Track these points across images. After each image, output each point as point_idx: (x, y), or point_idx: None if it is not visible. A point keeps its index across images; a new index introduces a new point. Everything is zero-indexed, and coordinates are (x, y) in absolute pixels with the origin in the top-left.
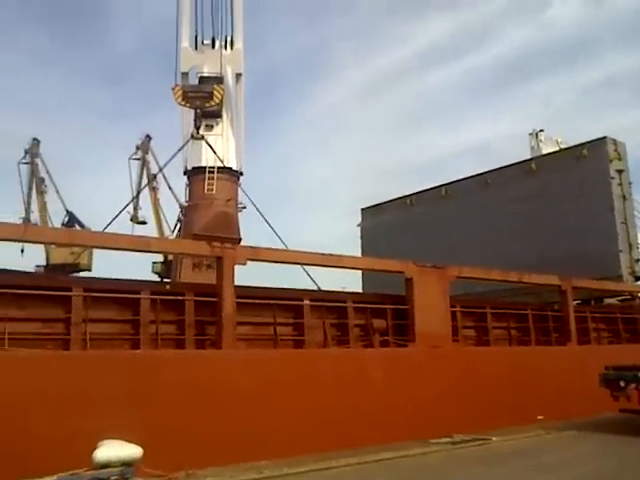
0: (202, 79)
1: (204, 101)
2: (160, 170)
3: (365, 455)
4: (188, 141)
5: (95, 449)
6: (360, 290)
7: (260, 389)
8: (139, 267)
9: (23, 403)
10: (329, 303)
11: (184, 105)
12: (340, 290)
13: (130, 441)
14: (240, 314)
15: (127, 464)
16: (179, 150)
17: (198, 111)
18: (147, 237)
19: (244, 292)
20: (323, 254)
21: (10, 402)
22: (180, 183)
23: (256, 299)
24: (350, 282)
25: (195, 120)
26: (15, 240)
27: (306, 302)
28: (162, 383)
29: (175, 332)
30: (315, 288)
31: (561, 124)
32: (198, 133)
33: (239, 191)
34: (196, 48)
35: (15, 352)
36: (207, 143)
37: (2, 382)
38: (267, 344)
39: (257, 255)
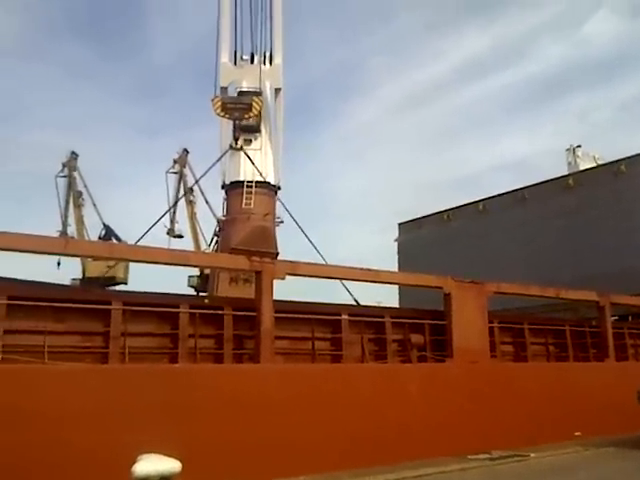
0: (241, 93)
1: (243, 112)
2: (196, 181)
3: (403, 471)
4: (226, 152)
5: (134, 463)
6: (396, 305)
7: (298, 403)
8: (175, 280)
9: (63, 416)
10: (367, 318)
11: (223, 116)
12: (377, 305)
13: (169, 455)
14: (278, 328)
15: (166, 478)
16: (217, 161)
17: (237, 122)
18: (186, 251)
19: (282, 306)
20: (361, 269)
21: (50, 415)
22: (217, 197)
23: (294, 313)
24: (385, 296)
25: (234, 131)
26: (57, 254)
27: (344, 317)
28: (201, 397)
29: (213, 346)
30: (353, 302)
31: (598, 140)
32: (237, 144)
33: (276, 205)
34: (235, 63)
35: (55, 365)
36: (246, 154)
37: (42, 395)
38: (305, 358)
39: (296, 270)
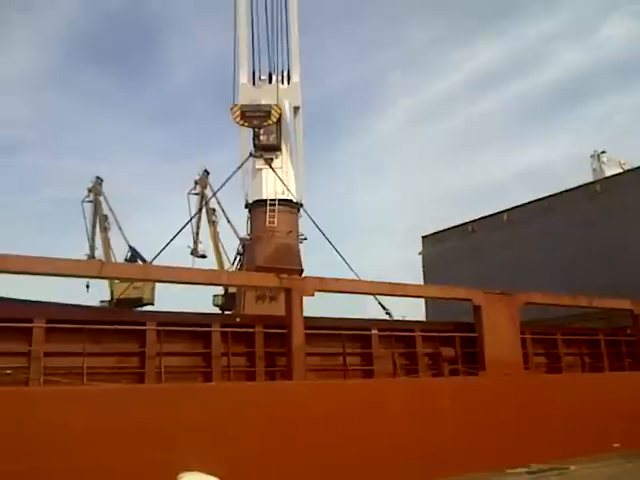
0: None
1: (262, 120)
2: (218, 189)
3: None
4: (247, 159)
5: None
6: (422, 318)
7: (332, 420)
8: (199, 300)
9: (103, 437)
10: (397, 332)
11: (242, 124)
12: (405, 319)
13: (208, 473)
14: (309, 345)
15: None
16: (237, 169)
17: (256, 130)
18: (218, 271)
19: (312, 323)
20: (389, 283)
21: (90, 436)
22: (239, 217)
23: (324, 329)
24: (409, 310)
25: (253, 139)
26: (93, 277)
27: (374, 332)
28: (237, 415)
29: (245, 364)
30: (384, 317)
31: (619, 145)
32: (257, 152)
33: (299, 222)
34: (254, 83)
35: (94, 387)
36: (270, 166)
37: (82, 417)
38: (336, 374)
39: (324, 286)
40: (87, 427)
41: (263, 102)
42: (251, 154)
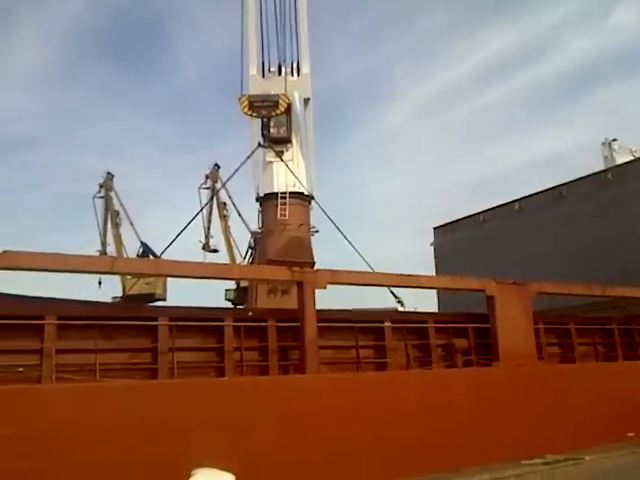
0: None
1: (270, 110)
2: (228, 179)
3: (456, 478)
4: (255, 149)
5: (188, 477)
6: (434, 309)
7: (346, 413)
8: (212, 295)
9: (116, 434)
10: (410, 324)
11: (250, 115)
12: (418, 311)
13: (222, 469)
14: (322, 338)
15: None
16: (247, 158)
17: (265, 120)
18: (230, 265)
19: (325, 316)
20: (401, 275)
21: (103, 433)
22: (249, 210)
23: (337, 322)
24: (421, 301)
25: (262, 129)
26: (105, 272)
27: (387, 324)
28: (251, 410)
29: (258, 358)
30: (399, 308)
31: (631, 132)
32: (266, 143)
33: (310, 215)
34: (263, 76)
35: (106, 383)
36: (280, 158)
37: (95, 413)
38: (349, 367)
39: (337, 278)
40: (100, 424)
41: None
42: (259, 144)
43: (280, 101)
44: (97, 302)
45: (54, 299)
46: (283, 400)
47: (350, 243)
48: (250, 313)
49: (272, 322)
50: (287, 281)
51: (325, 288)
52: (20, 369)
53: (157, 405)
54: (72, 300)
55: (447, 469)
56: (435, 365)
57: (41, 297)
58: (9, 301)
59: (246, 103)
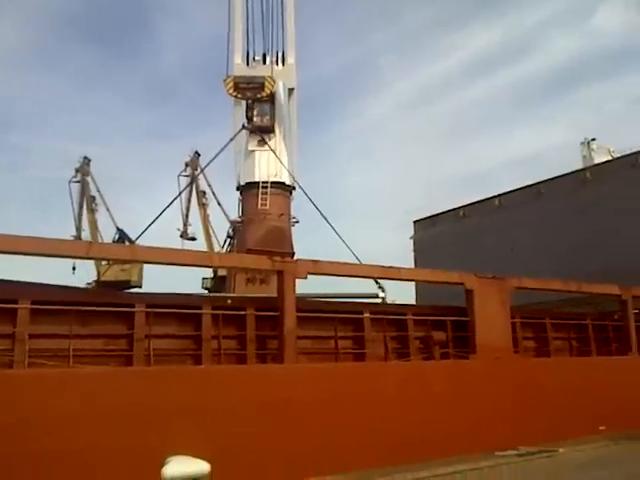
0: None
1: (255, 92)
2: (208, 164)
3: (434, 468)
4: (240, 131)
5: (163, 465)
6: (412, 301)
7: (324, 403)
8: (188, 283)
9: (90, 421)
10: (389, 316)
11: (235, 96)
12: (397, 303)
13: (198, 457)
14: (300, 328)
15: None
16: (230, 140)
17: (249, 102)
18: (210, 253)
19: (304, 305)
20: (383, 267)
21: (77, 420)
22: (229, 200)
23: (316, 312)
24: (399, 294)
25: (246, 111)
26: (80, 257)
27: (366, 315)
28: (227, 398)
29: (236, 347)
30: (380, 294)
31: (611, 133)
32: (249, 123)
33: (291, 205)
34: (248, 64)
35: (81, 369)
36: (266, 142)
37: (68, 400)
38: (328, 357)
39: (318, 269)
40: (73, 410)
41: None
42: (244, 126)
43: (266, 83)
44: (72, 287)
45: (28, 283)
46: (261, 389)
47: (337, 233)
48: (229, 301)
49: (251, 311)
50: (268, 270)
51: (306, 278)
52: None
53: (132, 392)
54: (46, 285)
55: (423, 458)
56: (413, 357)
57: (15, 281)
58: None
59: (232, 84)
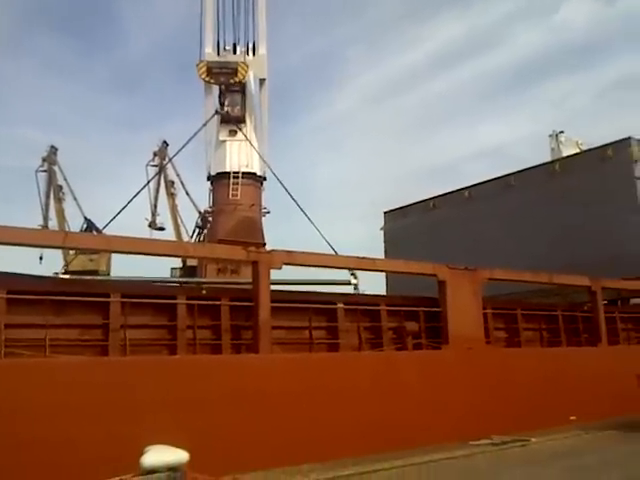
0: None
1: (229, 77)
2: (179, 150)
3: (409, 458)
4: (212, 117)
5: (141, 455)
6: (382, 291)
7: (298, 393)
8: (157, 272)
9: (66, 410)
10: (362, 306)
11: (208, 81)
12: (370, 294)
13: (176, 446)
14: (275, 318)
15: (174, 469)
16: (203, 125)
17: (222, 87)
18: (184, 243)
19: (278, 296)
20: (357, 257)
21: (53, 410)
22: (197, 189)
23: (291, 303)
24: (368, 284)
25: (219, 96)
26: (56, 247)
27: (340, 306)
28: (203, 388)
29: (211, 337)
30: (352, 281)
31: (575, 126)
32: (223, 109)
33: (262, 196)
34: (218, 54)
35: (57, 359)
36: (234, 125)
37: (45, 389)
38: (302, 348)
39: (292, 259)
40: (50, 400)
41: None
42: (217, 112)
43: (239, 68)
44: (47, 277)
45: (3, 273)
46: (236, 379)
47: (313, 223)
48: (204, 291)
49: (225, 301)
50: (242, 261)
51: (280, 269)
52: None
53: (109, 382)
54: (22, 274)
55: (397, 447)
56: (386, 347)
57: None
58: None
59: (204, 69)
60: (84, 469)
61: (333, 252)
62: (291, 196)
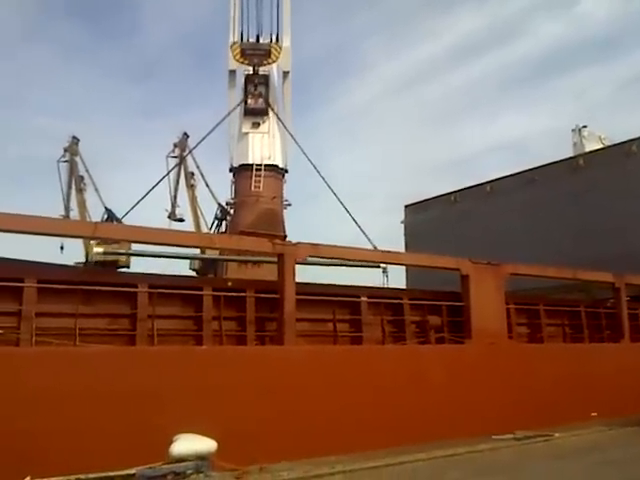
0: (248, 77)
1: (262, 58)
2: (203, 138)
3: (433, 451)
4: (237, 107)
5: (171, 443)
6: (402, 285)
7: (323, 385)
8: (174, 263)
9: (96, 399)
10: (385, 300)
11: (242, 62)
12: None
13: (204, 435)
14: (299, 310)
15: (202, 458)
16: (227, 115)
17: (256, 68)
18: (211, 235)
19: (303, 289)
20: (382, 251)
21: (83, 399)
22: (217, 181)
23: (315, 295)
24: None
25: (252, 76)
26: (87, 237)
27: (363, 299)
28: (229, 379)
29: (235, 328)
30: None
31: (596, 119)
32: (256, 90)
33: (284, 188)
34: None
35: (86, 348)
36: (271, 109)
37: (74, 378)
38: (325, 340)
39: (317, 252)
40: (79, 389)
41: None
42: (245, 101)
43: (272, 50)
44: (76, 267)
45: (33, 262)
46: (262, 370)
47: (349, 213)
48: (229, 283)
49: (251, 293)
50: (268, 253)
51: (305, 261)
52: None
53: (137, 372)
54: (51, 264)
55: (420, 442)
56: (409, 341)
57: (20, 260)
58: None
59: (238, 50)
60: (114, 456)
61: (368, 245)
62: (329, 186)
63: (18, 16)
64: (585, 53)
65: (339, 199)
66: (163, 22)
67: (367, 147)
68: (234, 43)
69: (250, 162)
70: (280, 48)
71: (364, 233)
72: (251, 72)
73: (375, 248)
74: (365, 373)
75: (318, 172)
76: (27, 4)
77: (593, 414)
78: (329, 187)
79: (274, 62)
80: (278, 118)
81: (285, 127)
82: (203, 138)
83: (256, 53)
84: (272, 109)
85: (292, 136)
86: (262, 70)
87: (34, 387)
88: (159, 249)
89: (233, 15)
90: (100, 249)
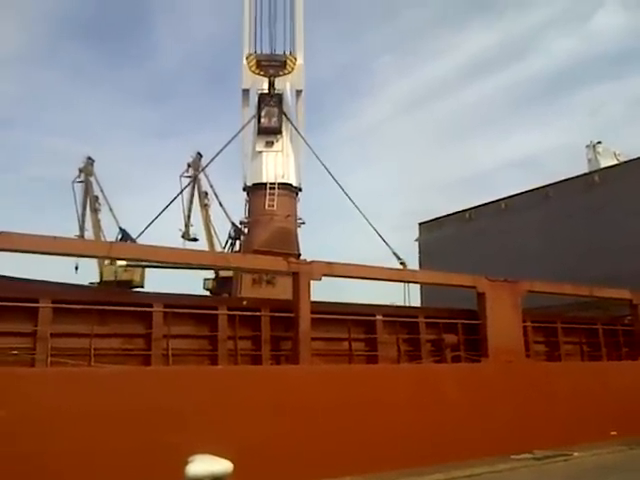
0: (262, 96)
1: (278, 69)
2: (216, 155)
3: (450, 471)
4: (249, 121)
5: (185, 464)
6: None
7: (339, 404)
8: (189, 283)
9: (110, 420)
10: (401, 318)
11: (258, 73)
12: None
13: (220, 455)
14: (314, 329)
15: (218, 479)
16: (240, 131)
17: (272, 79)
18: (226, 254)
19: (318, 307)
20: (397, 269)
21: (98, 419)
22: (230, 200)
23: (330, 314)
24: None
25: (269, 88)
26: (102, 257)
27: (378, 317)
28: (245, 399)
29: (250, 347)
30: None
31: (610, 135)
32: (271, 101)
33: (297, 206)
34: None
35: (101, 368)
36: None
37: (89, 398)
38: (341, 359)
39: (332, 271)
40: (95, 410)
41: (265, 84)
42: (259, 121)
43: (288, 61)
44: (90, 287)
45: (48, 282)
46: (277, 390)
47: (375, 230)
48: (244, 302)
49: (266, 312)
50: (282, 272)
51: (320, 280)
52: (14, 352)
53: (151, 392)
54: (65, 284)
55: (437, 462)
56: (425, 360)
57: (35, 280)
58: (3, 283)
59: (254, 62)
60: (129, 478)
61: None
62: (354, 204)
63: (35, 38)
64: (599, 69)
65: (364, 215)
66: (177, 43)
67: (379, 165)
68: (250, 55)
69: (264, 181)
70: (295, 59)
71: (390, 247)
72: (265, 91)
73: (403, 264)
74: (381, 392)
75: (342, 189)
76: (43, 27)
77: (612, 433)
78: (353, 203)
79: (289, 73)
80: (297, 132)
81: (306, 142)
82: (217, 154)
83: (272, 64)
84: (292, 124)
85: (314, 152)
86: (277, 89)
87: (50, 408)
88: None
89: (248, 31)
90: (123, 262)
